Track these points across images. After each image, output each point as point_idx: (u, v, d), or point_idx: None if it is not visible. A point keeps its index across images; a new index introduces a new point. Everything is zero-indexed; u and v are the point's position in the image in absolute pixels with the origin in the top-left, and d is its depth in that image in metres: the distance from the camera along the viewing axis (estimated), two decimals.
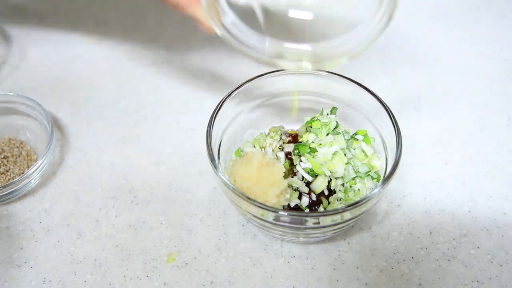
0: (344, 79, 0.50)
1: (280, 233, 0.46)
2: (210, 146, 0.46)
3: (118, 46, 0.74)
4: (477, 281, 0.46)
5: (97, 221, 0.53)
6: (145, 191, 0.55)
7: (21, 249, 0.51)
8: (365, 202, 0.42)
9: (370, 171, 0.48)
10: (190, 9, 0.42)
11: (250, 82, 0.51)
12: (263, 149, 0.50)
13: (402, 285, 0.46)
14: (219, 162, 0.48)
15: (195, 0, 0.41)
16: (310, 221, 0.42)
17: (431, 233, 0.50)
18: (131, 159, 0.58)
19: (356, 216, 0.43)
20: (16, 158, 0.58)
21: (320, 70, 0.51)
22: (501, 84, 0.66)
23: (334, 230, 0.45)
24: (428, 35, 0.73)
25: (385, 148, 0.49)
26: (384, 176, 0.46)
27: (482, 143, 0.59)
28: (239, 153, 0.51)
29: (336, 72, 0.51)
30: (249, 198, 0.42)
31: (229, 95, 0.50)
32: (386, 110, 0.48)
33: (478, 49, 0.71)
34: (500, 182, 0.55)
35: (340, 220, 0.43)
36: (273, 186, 0.44)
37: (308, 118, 0.51)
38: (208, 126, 0.47)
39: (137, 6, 0.80)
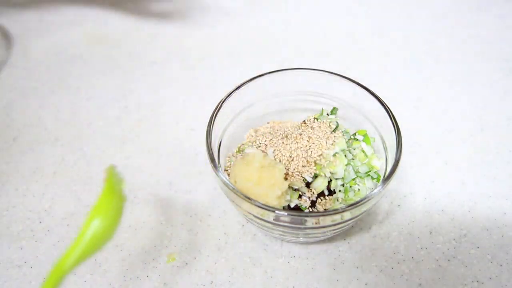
0: (344, 79, 0.50)
1: (280, 233, 0.46)
2: (210, 146, 0.46)
3: (118, 46, 0.74)
4: (477, 281, 0.46)
5: None
6: (145, 191, 0.55)
7: (21, 249, 0.51)
8: (365, 202, 0.42)
9: (370, 171, 0.48)
10: None
11: (250, 82, 0.51)
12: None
13: (402, 285, 0.46)
14: (219, 162, 0.48)
15: None
16: (310, 221, 0.42)
17: (431, 233, 0.50)
18: (131, 159, 0.58)
19: (356, 216, 0.43)
20: None
21: (320, 70, 0.51)
22: (501, 84, 0.66)
23: (334, 230, 0.45)
24: (428, 35, 0.73)
25: (385, 148, 0.49)
26: (384, 176, 0.46)
27: (482, 143, 0.59)
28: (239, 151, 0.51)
29: (337, 72, 0.51)
30: (249, 199, 0.42)
31: (229, 95, 0.50)
32: (386, 110, 0.48)
33: (478, 49, 0.71)
34: (500, 182, 0.55)
35: (340, 220, 0.43)
36: (274, 188, 0.44)
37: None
38: (208, 126, 0.47)
39: (137, 6, 0.80)
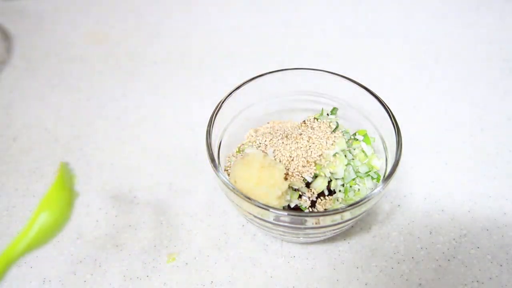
0: (344, 79, 0.50)
1: (280, 233, 0.46)
2: (210, 146, 0.46)
3: (118, 46, 0.74)
4: (477, 281, 0.46)
5: (97, 221, 0.53)
6: (145, 191, 0.55)
7: None
8: (365, 202, 0.42)
9: (370, 171, 0.48)
10: None
11: (250, 81, 0.51)
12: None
13: (402, 285, 0.46)
14: (219, 162, 0.48)
15: None
16: (310, 221, 0.42)
17: (431, 233, 0.50)
18: (131, 159, 0.58)
19: (356, 216, 0.43)
20: None
21: (320, 70, 0.51)
22: (501, 84, 0.66)
23: (334, 230, 0.45)
24: (428, 35, 0.73)
25: (385, 148, 0.49)
26: (384, 176, 0.46)
27: (482, 143, 0.59)
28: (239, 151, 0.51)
29: (337, 72, 0.51)
30: (249, 198, 0.42)
31: (229, 95, 0.50)
32: (386, 110, 0.48)
33: (478, 49, 0.71)
34: (500, 182, 0.55)
35: (340, 220, 0.43)
36: (274, 188, 0.44)
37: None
38: (208, 126, 0.47)
39: (137, 6, 0.80)
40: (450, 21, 0.75)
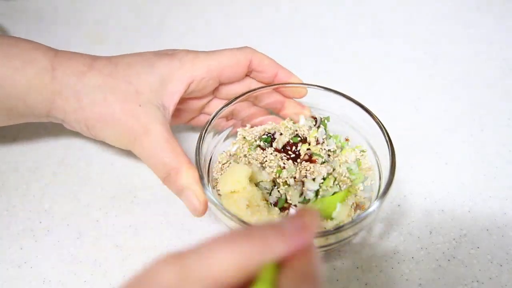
0: (339, 95, 0.50)
1: None
2: (199, 163, 0.45)
3: (118, 46, 0.74)
4: (477, 281, 0.46)
5: (97, 221, 0.53)
6: (145, 191, 0.55)
7: (21, 249, 0.51)
8: (361, 221, 0.41)
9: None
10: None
11: (240, 97, 0.51)
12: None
13: (402, 285, 0.46)
14: (208, 180, 0.48)
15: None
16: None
17: (431, 233, 0.50)
18: (131, 159, 0.58)
19: (349, 237, 0.43)
20: None
21: (314, 85, 0.52)
22: (501, 84, 0.66)
23: (325, 250, 0.45)
24: (428, 35, 0.73)
25: (379, 165, 0.49)
26: (377, 195, 0.46)
27: (482, 143, 0.59)
28: None
29: (330, 88, 0.51)
30: (239, 219, 0.41)
31: (219, 111, 0.49)
32: (381, 128, 0.47)
33: (478, 49, 0.71)
34: (500, 182, 0.54)
35: (330, 242, 0.42)
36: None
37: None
38: (197, 143, 0.47)
39: (137, 6, 0.80)
40: (450, 21, 0.75)
